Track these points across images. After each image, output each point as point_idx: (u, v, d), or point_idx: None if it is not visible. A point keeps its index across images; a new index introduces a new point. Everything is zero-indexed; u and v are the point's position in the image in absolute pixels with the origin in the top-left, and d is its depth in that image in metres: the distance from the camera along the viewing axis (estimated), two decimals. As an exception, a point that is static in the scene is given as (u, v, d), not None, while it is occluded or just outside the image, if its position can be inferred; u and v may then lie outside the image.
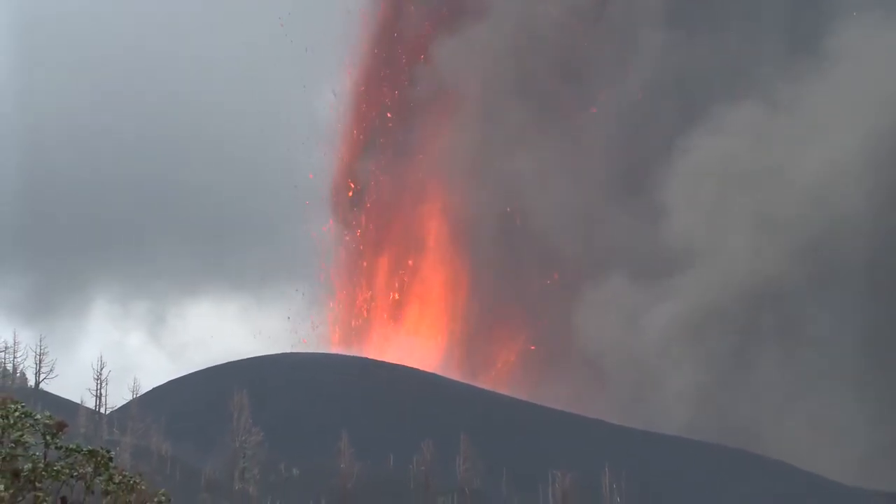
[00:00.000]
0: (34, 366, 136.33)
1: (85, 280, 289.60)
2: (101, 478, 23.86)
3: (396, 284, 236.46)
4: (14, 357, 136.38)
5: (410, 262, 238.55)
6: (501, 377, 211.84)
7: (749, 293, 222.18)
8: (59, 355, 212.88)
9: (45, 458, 23.68)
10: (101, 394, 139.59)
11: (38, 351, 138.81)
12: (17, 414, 23.58)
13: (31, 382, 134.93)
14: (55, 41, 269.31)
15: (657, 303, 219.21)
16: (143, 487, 24.10)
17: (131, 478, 24.29)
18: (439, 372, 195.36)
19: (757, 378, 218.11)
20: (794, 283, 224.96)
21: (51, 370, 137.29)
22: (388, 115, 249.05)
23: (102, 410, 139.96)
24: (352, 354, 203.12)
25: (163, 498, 24.30)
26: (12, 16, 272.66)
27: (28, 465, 23.38)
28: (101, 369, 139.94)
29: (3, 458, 23.25)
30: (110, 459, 24.24)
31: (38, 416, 24.07)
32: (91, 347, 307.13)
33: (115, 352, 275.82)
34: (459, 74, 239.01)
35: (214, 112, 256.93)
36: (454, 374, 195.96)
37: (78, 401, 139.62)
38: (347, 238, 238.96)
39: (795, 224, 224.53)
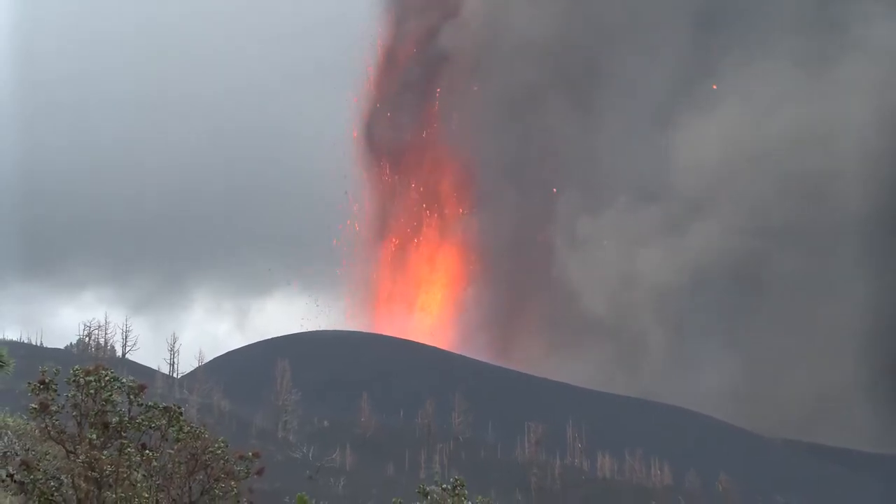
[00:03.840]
0: (121, 340, 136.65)
1: (188, 281, 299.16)
2: (173, 428, 23.78)
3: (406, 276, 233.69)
4: (105, 333, 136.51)
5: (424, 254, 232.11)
6: (491, 349, 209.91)
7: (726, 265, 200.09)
8: (166, 338, 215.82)
9: (129, 413, 23.60)
10: (174, 362, 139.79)
11: (124, 329, 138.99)
12: (107, 378, 23.52)
13: (119, 353, 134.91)
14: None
15: (648, 263, 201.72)
16: (206, 436, 24.02)
17: (197, 428, 24.20)
18: (439, 345, 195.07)
19: (705, 342, 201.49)
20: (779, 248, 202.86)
21: (134, 344, 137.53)
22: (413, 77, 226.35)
23: (175, 375, 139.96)
24: (370, 332, 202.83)
25: (222, 444, 24.20)
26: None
27: (115, 419, 23.31)
28: (174, 343, 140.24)
29: (96, 414, 23.21)
30: (180, 414, 24.14)
31: (124, 380, 23.98)
32: (191, 333, 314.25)
33: (209, 337, 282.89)
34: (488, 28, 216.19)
35: (286, 139, 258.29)
36: (451, 347, 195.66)
37: (155, 368, 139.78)
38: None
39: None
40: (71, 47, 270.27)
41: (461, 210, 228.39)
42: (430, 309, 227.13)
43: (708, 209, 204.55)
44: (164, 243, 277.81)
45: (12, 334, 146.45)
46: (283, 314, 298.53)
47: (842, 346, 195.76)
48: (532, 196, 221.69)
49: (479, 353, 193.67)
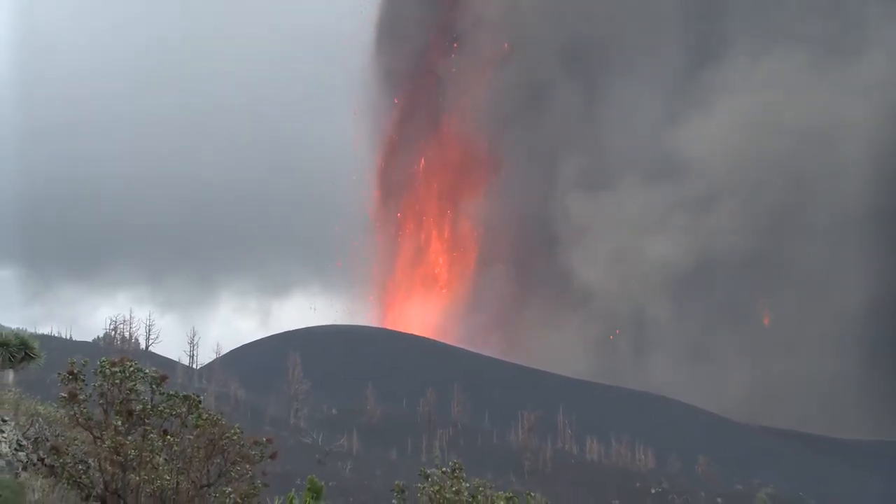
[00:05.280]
0: (144, 334, 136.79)
1: (215, 281, 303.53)
2: (192, 416, 23.84)
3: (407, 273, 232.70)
4: (130, 327, 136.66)
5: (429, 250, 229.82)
6: (486, 341, 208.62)
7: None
8: (186, 333, 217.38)
9: (151, 401, 23.66)
10: (193, 355, 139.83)
11: (147, 323, 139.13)
12: (131, 369, 23.58)
13: (143, 346, 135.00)
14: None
15: (651, 253, 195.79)
16: (223, 423, 24.05)
17: (215, 416, 24.25)
18: (438, 338, 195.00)
19: (701, 336, 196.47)
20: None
21: (157, 337, 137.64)
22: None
23: (194, 366, 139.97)
24: (376, 326, 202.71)
25: (238, 430, 24.23)
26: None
27: (139, 407, 23.37)
28: (194, 337, 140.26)
29: (121, 402, 23.27)
30: (199, 402, 24.18)
31: (147, 371, 24.03)
32: (217, 330, 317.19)
33: (233, 334, 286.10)
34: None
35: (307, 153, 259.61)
36: (450, 339, 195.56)
37: (176, 360, 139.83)
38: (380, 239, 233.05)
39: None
40: (102, 66, 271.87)
41: (480, 189, 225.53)
42: (432, 304, 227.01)
43: (712, 202, 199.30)
44: (195, 247, 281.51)
45: (44, 329, 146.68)
46: (301, 311, 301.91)
47: (837, 340, 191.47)
48: (537, 187, 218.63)
49: (476, 345, 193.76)
